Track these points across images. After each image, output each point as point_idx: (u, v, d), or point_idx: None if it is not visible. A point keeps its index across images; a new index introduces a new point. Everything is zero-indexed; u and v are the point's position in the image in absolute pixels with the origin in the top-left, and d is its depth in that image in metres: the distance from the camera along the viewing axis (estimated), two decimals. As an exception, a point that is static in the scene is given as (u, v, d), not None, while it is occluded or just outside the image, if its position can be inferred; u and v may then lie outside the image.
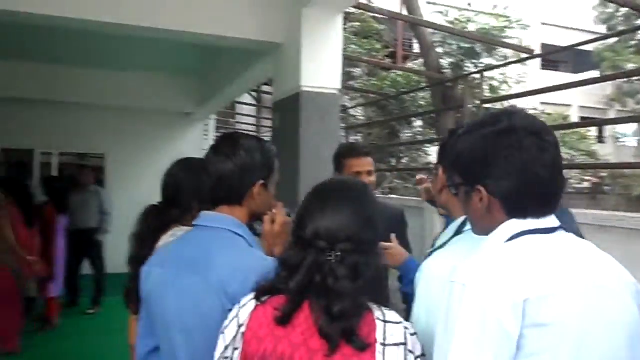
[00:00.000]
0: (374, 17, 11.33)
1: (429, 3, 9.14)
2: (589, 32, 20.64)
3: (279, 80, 4.22)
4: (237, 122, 16.50)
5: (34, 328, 5.32)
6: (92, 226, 6.31)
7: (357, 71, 12.63)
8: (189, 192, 1.73)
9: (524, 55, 5.91)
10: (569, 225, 1.56)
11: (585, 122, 16.58)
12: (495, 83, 7.65)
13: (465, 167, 1.06)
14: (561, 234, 1.01)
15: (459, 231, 1.31)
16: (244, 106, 16.18)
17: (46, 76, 7.26)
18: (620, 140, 22.65)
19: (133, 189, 7.32)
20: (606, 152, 19.57)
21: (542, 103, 15.75)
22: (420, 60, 14.98)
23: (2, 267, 4.86)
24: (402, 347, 1.01)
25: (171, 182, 1.80)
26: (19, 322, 4.95)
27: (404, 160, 10.17)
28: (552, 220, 1.01)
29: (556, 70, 20.24)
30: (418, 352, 1.03)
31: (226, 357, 1.10)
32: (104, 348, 4.86)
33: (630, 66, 18.01)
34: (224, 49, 5.44)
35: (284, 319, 1.05)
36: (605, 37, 11.72)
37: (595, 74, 22.52)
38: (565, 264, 0.95)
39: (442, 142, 1.41)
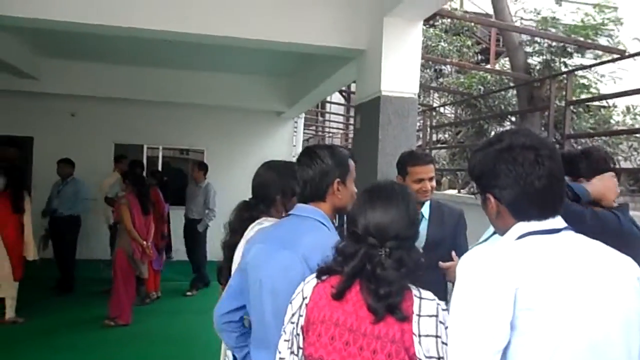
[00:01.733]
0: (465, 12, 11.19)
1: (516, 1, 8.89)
2: None
3: (361, 84, 4.50)
4: (327, 120, 16.95)
5: (139, 303, 6.05)
6: (195, 217, 6.99)
7: (446, 68, 12.51)
8: (273, 190, 2.07)
9: (615, 55, 5.69)
10: (624, 223, 1.70)
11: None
12: (586, 82, 7.35)
13: (477, 178, 1.30)
14: (566, 233, 1.20)
15: (494, 232, 1.53)
16: (334, 105, 16.64)
17: (153, 79, 8.06)
18: None
19: (229, 181, 7.95)
20: None
21: (625, 96, 14.45)
22: (513, 57, 14.57)
23: (119, 249, 5.60)
24: (434, 318, 1.27)
25: (259, 181, 2.16)
26: (133, 299, 5.69)
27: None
28: (555, 222, 1.21)
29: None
30: (447, 324, 1.26)
31: (293, 322, 1.42)
32: (199, 325, 5.46)
33: None
34: (313, 54, 5.82)
35: (339, 295, 1.34)
36: None
37: None
38: (561, 259, 1.14)
39: None
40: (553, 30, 7.72)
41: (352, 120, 18.10)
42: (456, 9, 9.65)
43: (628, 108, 11.82)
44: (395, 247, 1.33)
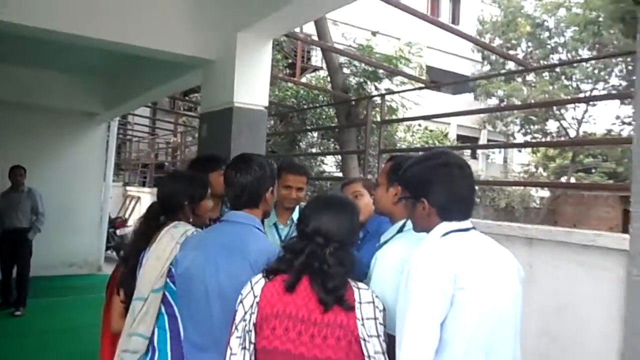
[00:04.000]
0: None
1: (335, 24, 9.83)
2: (467, 58, 23.02)
3: (209, 94, 4.55)
4: (136, 124, 16.10)
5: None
6: (23, 226, 6.25)
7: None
8: (181, 197, 2.14)
9: (418, 84, 6.77)
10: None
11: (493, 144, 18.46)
12: (394, 104, 8.58)
13: (414, 186, 1.61)
14: (474, 231, 1.59)
15: (400, 230, 1.86)
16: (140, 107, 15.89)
17: None
18: (490, 157, 25.37)
19: (38, 186, 7.09)
20: (478, 168, 21.95)
21: (425, 120, 17.30)
22: (317, 73, 15.80)
23: None
24: (371, 304, 1.53)
25: (167, 190, 2.20)
26: None
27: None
28: (468, 223, 1.59)
29: (439, 91, 22.25)
30: (381, 307, 1.55)
31: (245, 320, 1.55)
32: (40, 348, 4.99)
33: (500, 92, 20.44)
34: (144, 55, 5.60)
35: (290, 287, 1.53)
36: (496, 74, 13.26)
37: (470, 96, 25.09)
38: (477, 251, 1.53)
39: (393, 165, 1.94)
40: (368, 57, 8.76)
41: (158, 124, 17.51)
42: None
43: (408, 127, 13.98)
44: (338, 248, 1.56)
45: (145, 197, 13.83)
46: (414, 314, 1.41)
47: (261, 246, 1.76)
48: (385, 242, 1.86)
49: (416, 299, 1.41)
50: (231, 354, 1.53)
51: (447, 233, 1.53)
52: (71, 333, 5.54)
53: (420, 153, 1.79)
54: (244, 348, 1.52)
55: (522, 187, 20.50)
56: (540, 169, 23.08)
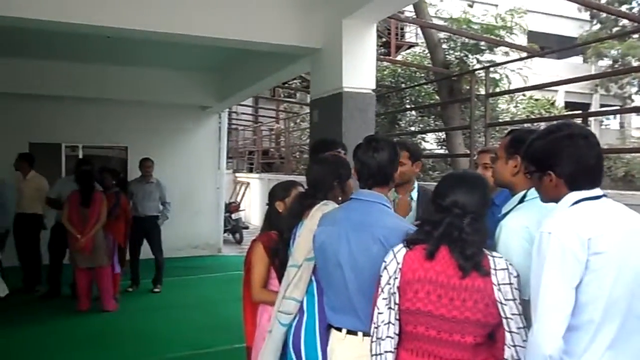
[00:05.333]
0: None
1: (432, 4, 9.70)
2: (573, 18, 21.36)
3: (318, 81, 4.80)
4: (242, 113, 16.96)
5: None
6: (153, 214, 6.95)
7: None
8: (330, 178, 2.36)
9: (523, 54, 6.53)
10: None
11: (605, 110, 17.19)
12: (496, 76, 8.33)
13: (540, 160, 1.68)
14: (604, 199, 1.63)
15: (521, 200, 1.95)
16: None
17: (71, 74, 7.71)
18: (604, 124, 23.56)
19: (159, 178, 7.85)
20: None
21: (531, 90, 16.42)
22: (413, 50, 15.58)
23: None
24: (506, 270, 1.66)
25: (315, 175, 2.42)
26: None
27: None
28: (598, 191, 1.63)
29: (542, 57, 20.95)
30: (515, 273, 1.67)
31: (389, 283, 1.74)
32: (171, 321, 5.64)
33: (613, 52, 18.79)
34: (252, 50, 5.98)
35: (430, 255, 1.69)
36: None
37: (579, 59, 23.31)
38: (610, 217, 1.58)
39: (512, 138, 2.03)
40: (466, 29, 8.57)
41: (261, 112, 18.31)
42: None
43: (512, 97, 13.36)
44: (474, 218, 1.70)
45: (254, 183, 14.63)
46: (548, 279, 1.49)
47: (389, 222, 1.93)
48: (507, 212, 1.95)
49: (550, 265, 1.50)
50: (378, 312, 1.73)
51: (577, 202, 1.59)
52: (200, 307, 6.18)
53: (534, 125, 1.85)
54: (390, 308, 1.72)
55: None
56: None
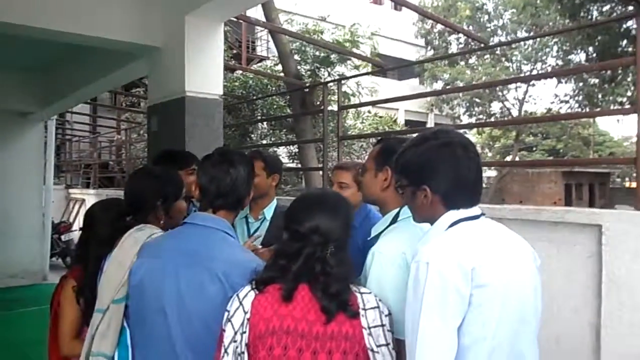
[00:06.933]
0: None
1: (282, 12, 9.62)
2: (411, 43, 23.27)
3: (157, 84, 4.25)
4: (75, 122, 15.28)
5: None
6: None
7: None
8: (154, 196, 1.89)
9: (372, 67, 6.66)
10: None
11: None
12: (348, 90, 8.44)
13: (413, 172, 1.41)
14: (484, 219, 1.41)
15: (394, 220, 1.66)
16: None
17: None
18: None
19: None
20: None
21: (375, 106, 17.34)
22: (264, 63, 15.50)
23: None
24: (377, 309, 1.36)
25: (136, 189, 1.94)
26: None
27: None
28: (477, 209, 1.41)
29: (385, 77, 22.38)
30: (386, 312, 1.39)
31: (235, 340, 1.34)
32: None
33: (445, 76, 20.82)
34: (83, 47, 5.21)
35: (288, 297, 1.33)
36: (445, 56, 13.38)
37: (416, 81, 25.42)
38: (491, 241, 1.35)
39: (382, 148, 1.75)
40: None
41: (100, 121, 16.70)
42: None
43: (358, 113, 13.97)
44: (338, 247, 1.39)
45: (90, 199, 13.14)
46: (426, 319, 1.23)
47: (232, 256, 1.53)
48: (378, 235, 1.67)
49: (428, 303, 1.24)
50: None
51: (455, 223, 1.36)
52: (15, 350, 5.12)
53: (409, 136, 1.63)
54: None
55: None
56: (486, 149, 23.76)
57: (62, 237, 9.96)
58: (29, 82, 7.34)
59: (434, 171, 1.37)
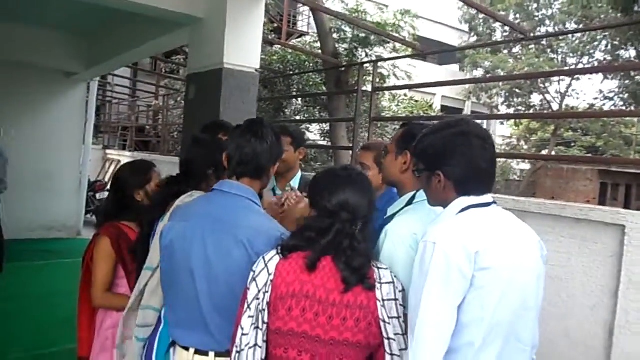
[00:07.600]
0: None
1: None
2: (454, 28, 22.77)
3: (197, 54, 4.35)
4: (117, 85, 15.63)
5: None
6: None
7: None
8: (205, 165, 1.99)
9: (411, 51, 6.60)
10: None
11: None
12: (384, 72, 8.39)
13: (429, 158, 1.49)
14: (494, 207, 1.47)
15: (409, 202, 1.73)
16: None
17: None
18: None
19: (16, 148, 6.86)
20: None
21: (411, 90, 17.16)
22: (304, 39, 15.46)
23: None
24: (392, 284, 1.45)
25: (189, 156, 2.05)
26: None
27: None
28: (488, 198, 1.47)
29: (424, 61, 22.05)
30: (400, 288, 1.47)
31: (258, 298, 1.44)
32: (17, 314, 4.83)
33: (486, 64, 20.36)
34: (130, 13, 5.34)
35: (312, 266, 1.42)
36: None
37: (456, 67, 24.95)
38: (498, 228, 1.42)
39: (405, 132, 1.81)
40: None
41: (139, 86, 17.03)
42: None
43: (394, 96, 13.84)
44: (364, 224, 1.47)
45: (125, 161, 13.53)
46: (429, 296, 1.31)
47: (256, 223, 1.60)
48: (393, 215, 1.73)
49: (433, 280, 1.31)
50: (242, 334, 1.42)
51: (465, 209, 1.42)
52: (48, 299, 5.36)
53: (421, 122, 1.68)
54: (257, 328, 1.42)
55: (503, 160, 20.63)
56: (522, 142, 23.28)
57: (97, 195, 10.29)
58: (76, 44, 7.55)
59: (449, 158, 1.44)
